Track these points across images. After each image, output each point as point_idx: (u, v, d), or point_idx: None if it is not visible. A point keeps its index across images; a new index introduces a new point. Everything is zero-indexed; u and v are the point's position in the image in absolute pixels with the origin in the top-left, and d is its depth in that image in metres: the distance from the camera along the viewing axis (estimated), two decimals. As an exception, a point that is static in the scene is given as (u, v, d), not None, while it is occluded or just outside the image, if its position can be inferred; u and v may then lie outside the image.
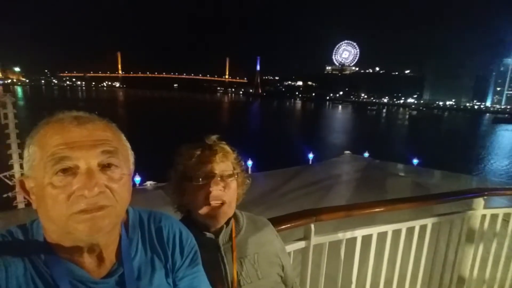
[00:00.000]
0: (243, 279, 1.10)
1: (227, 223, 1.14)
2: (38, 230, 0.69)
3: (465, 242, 2.47)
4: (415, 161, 23.78)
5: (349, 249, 1.90)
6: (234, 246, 1.12)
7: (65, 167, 0.62)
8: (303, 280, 1.78)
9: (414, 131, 74.43)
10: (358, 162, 14.84)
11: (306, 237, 1.75)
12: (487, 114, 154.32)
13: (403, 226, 2.08)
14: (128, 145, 0.75)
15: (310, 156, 25.56)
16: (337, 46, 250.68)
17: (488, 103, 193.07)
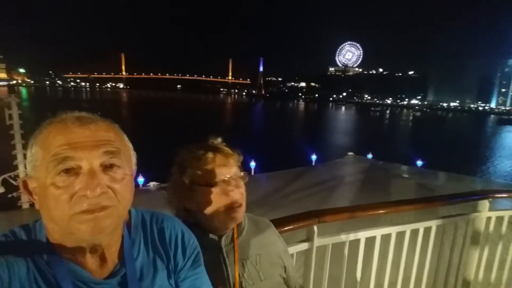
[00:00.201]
0: (245, 280, 1.10)
1: None
2: (41, 230, 0.69)
3: (470, 244, 2.45)
4: (419, 162, 23.64)
5: (352, 251, 1.88)
6: (236, 248, 1.11)
7: (67, 167, 0.62)
8: (306, 282, 1.77)
9: (418, 132, 74.05)
10: (361, 163, 14.80)
11: (309, 239, 1.74)
12: (492, 116, 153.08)
13: (407, 228, 2.07)
14: (130, 145, 0.75)
15: (313, 157, 25.47)
16: (340, 47, 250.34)
17: (493, 104, 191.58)
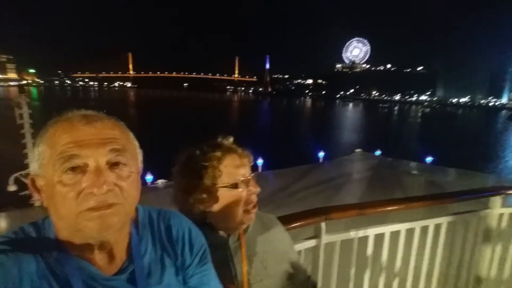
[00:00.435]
0: (253, 277, 1.10)
1: None
2: (50, 227, 0.69)
3: (482, 241, 2.41)
4: (429, 159, 23.29)
5: (361, 248, 1.87)
6: (243, 244, 1.11)
7: (74, 165, 0.63)
8: (314, 279, 1.76)
9: (427, 128, 73.08)
10: (369, 160, 14.67)
11: (316, 236, 1.73)
12: (503, 111, 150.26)
13: (417, 225, 2.04)
14: (136, 143, 0.75)
15: (320, 154, 25.29)
16: (347, 44, 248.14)
17: (504, 100, 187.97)
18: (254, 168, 1.15)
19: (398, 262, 2.03)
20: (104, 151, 0.65)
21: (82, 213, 0.62)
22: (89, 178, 0.63)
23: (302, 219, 1.64)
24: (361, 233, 1.87)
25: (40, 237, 0.69)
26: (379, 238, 1.92)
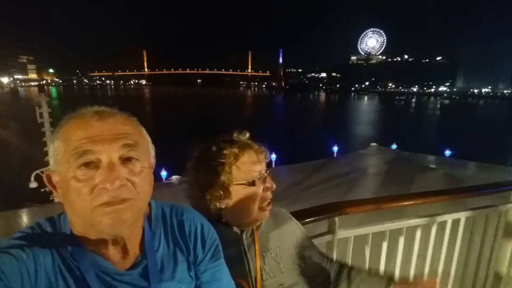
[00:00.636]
0: (266, 273, 1.09)
1: None
2: (65, 222, 0.71)
3: (503, 237, 2.33)
4: (448, 152, 22.65)
5: (375, 243, 1.85)
6: (256, 240, 1.11)
7: (87, 160, 0.63)
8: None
9: (446, 120, 70.87)
10: (385, 154, 14.37)
11: (330, 231, 1.72)
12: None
13: (435, 221, 1.99)
14: (148, 138, 0.76)
15: (335, 148, 25.03)
16: (362, 35, 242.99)
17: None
18: (268, 163, 1.13)
19: (414, 258, 2.00)
20: (117, 146, 0.65)
21: (96, 208, 0.63)
22: (102, 173, 0.63)
23: (316, 214, 1.62)
24: (376, 228, 1.84)
25: (55, 232, 0.70)
26: (394, 233, 1.89)
